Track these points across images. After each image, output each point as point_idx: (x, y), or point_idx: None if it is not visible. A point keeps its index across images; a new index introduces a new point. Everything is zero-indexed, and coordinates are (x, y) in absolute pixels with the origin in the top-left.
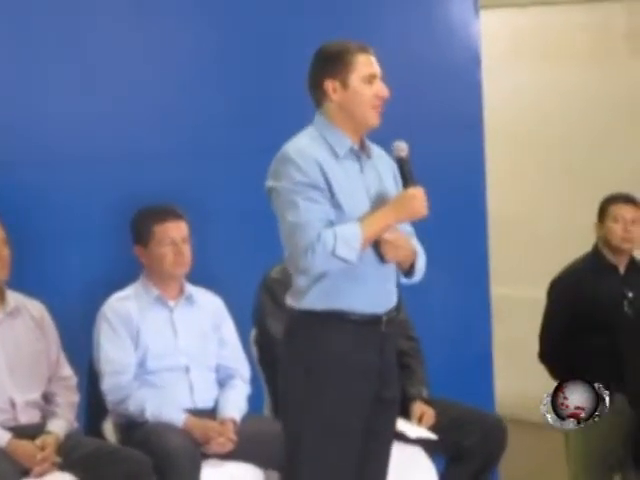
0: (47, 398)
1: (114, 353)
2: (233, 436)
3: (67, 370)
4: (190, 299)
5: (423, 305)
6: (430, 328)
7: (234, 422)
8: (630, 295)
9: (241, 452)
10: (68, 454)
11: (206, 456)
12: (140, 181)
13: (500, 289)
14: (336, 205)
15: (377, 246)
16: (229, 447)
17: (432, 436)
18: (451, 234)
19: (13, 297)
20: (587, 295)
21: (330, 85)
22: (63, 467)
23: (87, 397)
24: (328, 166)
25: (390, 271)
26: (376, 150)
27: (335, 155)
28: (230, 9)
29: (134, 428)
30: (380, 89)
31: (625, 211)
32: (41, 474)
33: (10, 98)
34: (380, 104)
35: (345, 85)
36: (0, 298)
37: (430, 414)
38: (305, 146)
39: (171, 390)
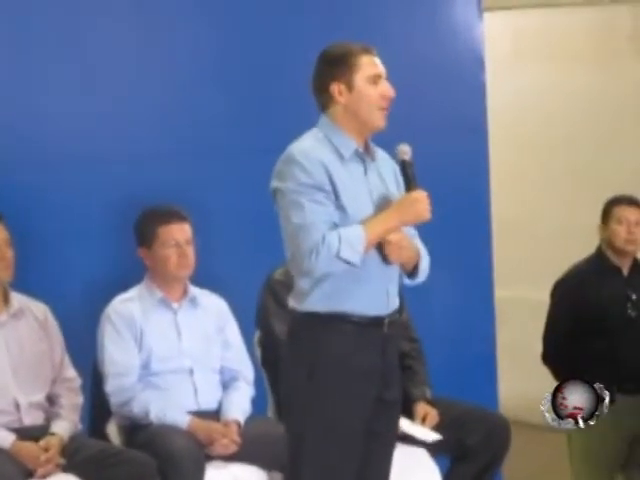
0: (51, 400)
1: (118, 355)
2: (237, 438)
3: (71, 372)
4: (194, 301)
5: (427, 307)
6: (434, 330)
7: (238, 424)
8: (633, 297)
9: (245, 454)
10: (72, 456)
11: (210, 458)
12: (141, 181)
13: (503, 291)
14: (340, 207)
15: (381, 247)
16: (233, 449)
17: (436, 436)
18: (455, 236)
19: (17, 299)
20: (591, 297)
21: (336, 88)
22: (67, 469)
23: (91, 399)
24: (333, 168)
25: (393, 273)
26: (380, 153)
27: (340, 157)
28: (230, 9)
29: (138, 430)
30: (386, 89)
31: (629, 213)
32: (45, 476)
33: (10, 98)
34: (386, 105)
35: (350, 87)
36: (4, 300)
37: (433, 414)
38: (310, 147)
39: (175, 392)
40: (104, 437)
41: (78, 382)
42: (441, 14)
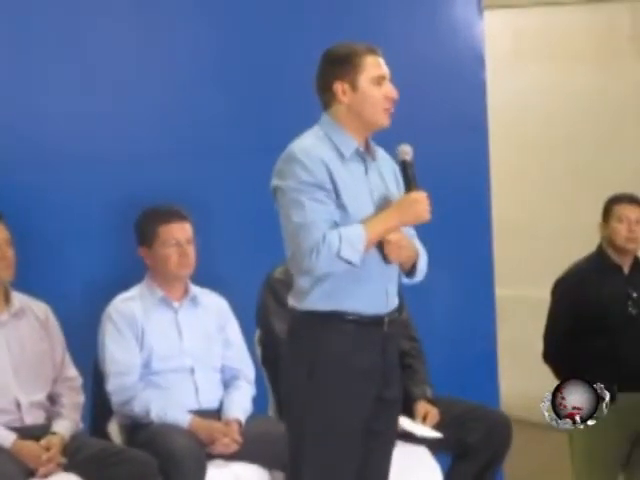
0: (52, 399)
1: (119, 354)
2: (238, 437)
3: (72, 371)
4: (195, 300)
5: (428, 306)
6: (435, 329)
7: (239, 423)
8: (634, 295)
9: (246, 453)
10: (73, 455)
11: (211, 457)
12: (141, 181)
13: (504, 289)
14: (341, 206)
15: (381, 247)
16: (234, 448)
17: (437, 434)
18: (455, 235)
19: (18, 298)
20: (591, 295)
21: (339, 87)
22: (68, 468)
23: (92, 398)
24: (334, 167)
25: (392, 272)
26: (380, 152)
27: (341, 156)
28: (230, 9)
29: (139, 429)
30: (389, 90)
31: (629, 211)
32: (46, 475)
33: (10, 98)
34: (390, 105)
35: (354, 87)
36: (5, 299)
37: (434, 413)
38: (311, 146)
39: (176, 391)
40: (105, 436)
41: (79, 381)
42: (441, 12)
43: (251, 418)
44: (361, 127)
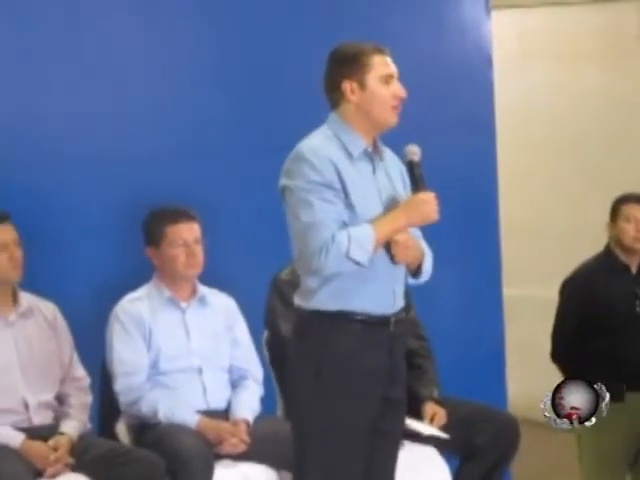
0: (60, 399)
1: (127, 354)
2: (246, 437)
3: (80, 371)
4: (202, 300)
5: (436, 305)
6: (443, 328)
7: (247, 423)
8: None
9: (254, 453)
10: (81, 455)
11: (219, 457)
12: (149, 181)
13: (511, 289)
14: (349, 206)
15: (388, 247)
16: (242, 448)
17: (443, 435)
18: (463, 234)
19: (26, 298)
20: (599, 295)
21: (348, 86)
22: (76, 468)
23: (100, 398)
24: (342, 166)
25: (399, 272)
26: (388, 152)
27: (349, 155)
28: (230, 9)
29: (147, 429)
30: (397, 89)
31: (637, 211)
32: (54, 475)
33: (10, 98)
34: (398, 104)
35: (363, 86)
36: (13, 299)
37: (442, 414)
38: (320, 145)
39: (184, 391)
40: (113, 436)
41: (87, 381)
42: (449, 12)
43: (259, 418)
44: (369, 126)
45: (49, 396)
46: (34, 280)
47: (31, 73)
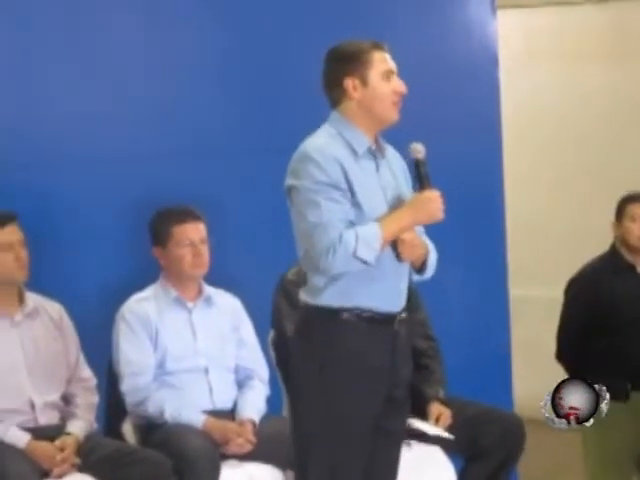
0: (66, 399)
1: (133, 354)
2: (252, 437)
3: (86, 371)
4: (209, 300)
5: (442, 306)
6: (448, 328)
7: (253, 423)
8: None
9: (260, 453)
10: (87, 455)
11: (225, 457)
12: (148, 182)
13: (517, 289)
14: (356, 205)
15: (394, 245)
16: (248, 448)
17: (448, 436)
18: (469, 234)
19: (32, 298)
20: (604, 295)
21: (350, 83)
22: (82, 468)
23: (106, 398)
24: (348, 165)
25: (404, 270)
26: (389, 149)
27: (354, 153)
28: (231, 8)
29: (153, 429)
30: (398, 85)
31: None
32: (60, 475)
33: (14, 99)
34: (399, 100)
35: (365, 82)
36: (19, 299)
37: (447, 415)
38: (325, 144)
39: (190, 391)
40: (119, 436)
41: (93, 382)
42: (454, 12)
43: (265, 418)
44: (371, 123)
45: (55, 396)
46: (41, 280)
47: (31, 73)
